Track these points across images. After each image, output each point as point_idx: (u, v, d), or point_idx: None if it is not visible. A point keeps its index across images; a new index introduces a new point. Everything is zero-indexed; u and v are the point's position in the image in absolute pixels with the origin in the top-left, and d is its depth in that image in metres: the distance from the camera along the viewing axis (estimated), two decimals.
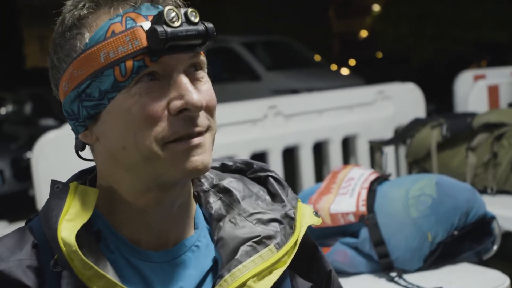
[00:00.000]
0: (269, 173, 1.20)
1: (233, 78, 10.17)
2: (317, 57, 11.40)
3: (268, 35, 12.40)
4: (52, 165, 2.89)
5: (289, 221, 1.13)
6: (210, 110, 1.04)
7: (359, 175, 2.16)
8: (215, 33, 1.02)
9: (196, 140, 1.00)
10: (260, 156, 3.78)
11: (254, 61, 9.87)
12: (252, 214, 1.12)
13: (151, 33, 0.96)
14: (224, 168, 1.21)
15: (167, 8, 0.97)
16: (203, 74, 1.05)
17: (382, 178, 2.17)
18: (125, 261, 1.05)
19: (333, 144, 3.93)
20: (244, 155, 3.63)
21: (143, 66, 0.97)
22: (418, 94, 4.12)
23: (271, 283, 1.06)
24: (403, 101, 4.09)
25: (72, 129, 1.07)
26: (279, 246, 1.08)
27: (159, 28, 0.95)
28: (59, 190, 1.05)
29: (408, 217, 2.00)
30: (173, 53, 0.98)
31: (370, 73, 12.39)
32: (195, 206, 1.14)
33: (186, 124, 0.99)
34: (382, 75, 10.71)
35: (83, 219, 1.00)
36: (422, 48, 16.48)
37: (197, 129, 1.00)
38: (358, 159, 4.01)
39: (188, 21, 0.99)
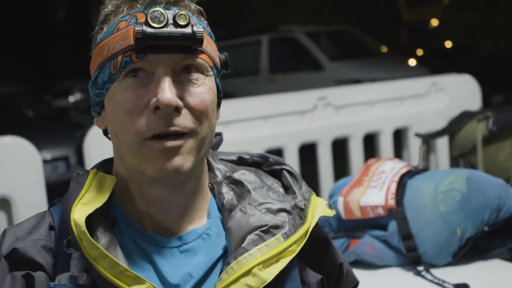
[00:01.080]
0: (283, 167, 1.24)
1: (296, 68, 10.16)
2: (383, 47, 11.24)
3: (332, 25, 12.31)
4: (104, 151, 2.99)
5: (298, 211, 1.16)
6: (197, 113, 1.06)
7: (391, 168, 2.15)
8: (202, 37, 1.05)
9: (170, 143, 1.04)
10: (309, 148, 3.80)
11: (318, 51, 9.82)
12: (261, 203, 1.15)
13: (133, 31, 1.03)
14: (241, 161, 1.26)
15: (154, 8, 1.04)
16: (197, 76, 1.07)
17: (413, 172, 2.16)
18: (135, 245, 1.10)
19: (383, 136, 3.90)
20: (292, 146, 3.65)
21: (130, 62, 1.04)
22: (473, 86, 4.02)
23: (277, 271, 1.08)
24: (458, 93, 4.01)
25: (91, 113, 1.16)
26: (287, 236, 1.11)
27: (138, 27, 1.01)
28: (79, 175, 1.12)
29: (437, 211, 1.98)
30: (158, 52, 1.03)
31: (437, 63, 12.13)
32: (208, 197, 1.18)
33: (161, 121, 1.03)
34: (449, 66, 10.47)
35: (98, 203, 1.06)
36: (491, 37, 15.99)
37: (172, 128, 1.04)
38: (410, 151, 3.96)
39: (175, 23, 1.03)
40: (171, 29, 1.03)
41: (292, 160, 3.66)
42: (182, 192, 1.12)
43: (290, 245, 1.11)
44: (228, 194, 1.18)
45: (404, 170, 2.14)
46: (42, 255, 1.08)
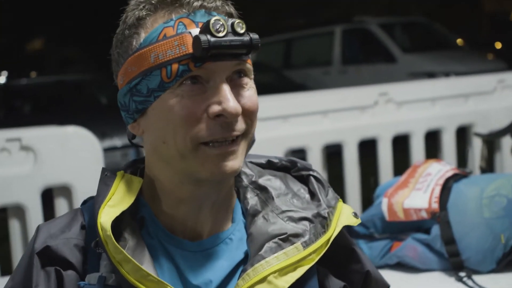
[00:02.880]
0: (311, 173, 1.24)
1: (369, 59, 10.02)
2: (460, 40, 10.94)
3: (408, 16, 12.07)
4: None
5: (321, 220, 1.16)
6: (249, 115, 1.09)
7: (437, 171, 2.11)
8: (259, 44, 1.07)
9: (230, 148, 1.07)
10: (369, 144, 3.76)
11: (391, 42, 9.65)
12: (284, 211, 1.16)
13: (195, 41, 1.03)
14: (270, 165, 1.27)
15: (214, 18, 1.04)
16: (247, 81, 1.10)
17: (460, 175, 2.11)
18: (161, 247, 1.13)
19: (446, 134, 3.81)
20: (352, 141, 3.62)
21: (187, 70, 1.05)
22: None
23: (293, 280, 1.09)
24: None
25: (124, 120, 1.17)
26: (306, 244, 1.12)
27: (203, 37, 1.02)
28: (107, 177, 1.15)
29: (481, 217, 1.93)
30: (217, 60, 1.05)
31: None
32: (234, 201, 1.20)
33: (223, 129, 1.06)
34: None
35: (125, 205, 1.09)
36: None
37: (234, 133, 1.07)
38: (474, 151, 3.86)
39: (233, 31, 1.05)
40: (231, 37, 1.04)
41: (351, 156, 3.63)
42: (220, 191, 1.14)
43: (309, 254, 1.12)
44: (252, 199, 1.19)
45: (450, 174, 2.10)
46: (73, 254, 1.12)
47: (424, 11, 14.49)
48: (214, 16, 1.07)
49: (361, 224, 2.20)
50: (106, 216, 1.06)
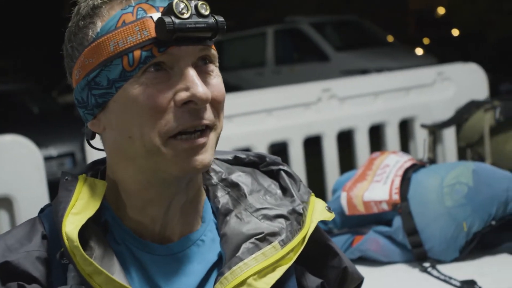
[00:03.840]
0: (281, 167, 1.19)
1: (302, 59, 10.12)
2: (390, 37, 11.16)
3: (339, 14, 12.25)
4: None
5: (296, 217, 1.11)
6: (217, 105, 1.03)
7: (395, 162, 2.10)
8: (224, 27, 1.02)
9: (200, 140, 1.00)
10: (314, 140, 3.75)
11: (323, 41, 9.78)
12: (258, 209, 1.11)
13: (158, 23, 0.97)
14: (237, 161, 1.21)
15: (176, 1, 0.97)
16: (213, 68, 1.04)
17: (418, 166, 2.10)
18: (129, 253, 1.06)
19: (389, 128, 3.84)
20: (297, 139, 3.61)
21: (151, 56, 0.98)
22: (480, 75, 3.95)
23: (273, 281, 1.04)
24: (465, 82, 3.94)
25: (82, 117, 1.08)
26: (283, 243, 1.07)
27: (167, 19, 0.96)
28: (67, 182, 1.06)
29: (443, 206, 1.93)
30: (182, 44, 0.98)
31: (445, 52, 12.04)
32: (203, 200, 1.13)
33: (191, 116, 0.99)
34: (457, 54, 10.39)
35: (90, 212, 1.01)
36: (500, 24, 15.80)
37: (203, 121, 1.00)
38: (416, 143, 3.91)
39: (198, 13, 0.99)
40: (195, 19, 0.98)
41: (297, 154, 3.61)
42: (189, 190, 1.08)
43: (288, 253, 1.07)
44: (223, 198, 1.13)
45: (408, 164, 2.09)
46: (36, 267, 1.03)
47: (352, 10, 14.73)
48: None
49: None
50: (71, 225, 0.98)
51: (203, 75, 1.02)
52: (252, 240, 1.06)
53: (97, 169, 1.14)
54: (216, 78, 1.04)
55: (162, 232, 1.08)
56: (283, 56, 10.33)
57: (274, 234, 1.07)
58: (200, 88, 0.98)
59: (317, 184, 3.64)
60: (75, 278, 1.00)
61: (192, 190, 1.09)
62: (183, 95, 0.98)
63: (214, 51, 1.05)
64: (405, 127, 3.99)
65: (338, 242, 2.05)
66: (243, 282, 1.02)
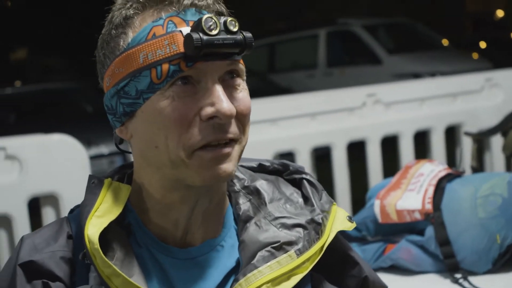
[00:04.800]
0: (304, 176, 1.21)
1: (353, 61, 10.04)
2: (445, 40, 10.98)
3: (392, 17, 12.11)
4: None
5: (315, 226, 1.12)
6: (241, 119, 1.05)
7: (429, 171, 2.08)
8: (252, 43, 1.04)
9: (224, 150, 1.02)
10: (358, 145, 3.74)
11: (375, 44, 9.68)
12: (277, 218, 1.12)
13: (187, 39, 0.99)
14: (262, 169, 1.23)
15: (206, 16, 1.00)
16: (239, 82, 1.06)
17: (453, 175, 2.08)
18: (150, 256, 1.09)
19: (435, 134, 3.80)
20: (340, 143, 3.61)
21: (178, 71, 1.00)
22: None
23: None
24: None
25: (111, 123, 1.12)
26: (300, 252, 1.08)
27: (195, 35, 0.98)
28: (94, 185, 1.10)
29: (475, 217, 1.91)
30: (209, 60, 1.00)
31: (502, 56, 11.76)
32: (226, 206, 1.16)
33: (215, 130, 1.01)
34: None
35: (113, 215, 1.05)
36: None
37: (228, 135, 1.02)
38: (463, 149, 3.85)
39: (226, 29, 1.01)
40: (223, 36, 1.00)
41: (340, 158, 3.61)
42: (213, 197, 1.10)
43: (303, 262, 1.08)
44: (244, 205, 1.15)
45: (443, 173, 2.07)
46: (60, 267, 1.07)
47: (406, 12, 14.53)
48: (206, 14, 1.02)
49: None
50: (94, 228, 1.02)
51: (230, 89, 1.04)
52: (268, 248, 1.08)
53: (124, 173, 1.17)
54: (243, 92, 1.06)
55: (183, 237, 1.10)
56: (334, 58, 10.27)
57: (290, 243, 1.09)
58: (225, 104, 1.00)
59: (360, 189, 3.63)
60: (96, 278, 1.04)
61: (215, 196, 1.11)
62: (208, 110, 1.00)
63: (242, 66, 1.07)
64: (452, 133, 3.94)
65: (370, 249, 2.05)
66: None
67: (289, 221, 1.12)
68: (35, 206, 2.91)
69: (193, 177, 1.03)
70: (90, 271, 1.06)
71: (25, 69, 17.81)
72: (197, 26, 0.99)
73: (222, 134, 1.02)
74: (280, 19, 15.85)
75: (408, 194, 2.03)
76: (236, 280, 1.06)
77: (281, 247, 1.08)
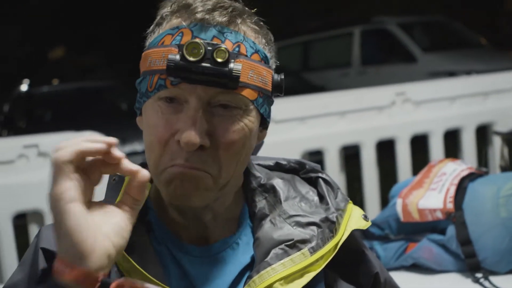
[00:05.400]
0: (319, 174, 1.22)
1: (388, 60, 9.96)
2: (482, 39, 10.82)
3: (427, 15, 11.97)
4: None
5: (329, 225, 1.14)
6: (224, 153, 1.03)
7: (452, 171, 2.07)
8: (238, 77, 1.00)
9: (186, 171, 1.01)
10: (387, 144, 3.73)
11: (410, 42, 9.58)
12: (291, 216, 1.14)
13: (167, 58, 1.00)
14: (278, 167, 1.24)
15: (193, 40, 1.00)
16: (236, 112, 1.04)
17: (476, 175, 2.07)
18: (169, 253, 1.11)
19: (466, 133, 3.77)
20: (369, 142, 3.60)
21: (163, 86, 1.02)
22: None
23: (300, 287, 1.07)
24: None
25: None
26: (313, 250, 1.10)
27: (171, 56, 0.99)
28: (115, 182, 1.12)
29: (497, 217, 1.90)
30: (192, 83, 1.00)
31: None
32: (240, 205, 1.17)
33: (182, 155, 1.01)
34: None
35: None
36: None
37: (188, 165, 1.01)
38: (494, 150, 3.81)
39: (213, 59, 0.99)
40: (206, 64, 0.99)
41: (369, 157, 3.61)
42: (209, 210, 1.11)
43: (317, 260, 1.10)
44: (260, 202, 1.16)
45: (465, 173, 2.06)
46: None
47: (441, 10, 14.35)
48: (209, 35, 1.02)
49: (376, 225, 2.18)
50: None
51: (218, 117, 1.02)
52: (282, 246, 1.09)
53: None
54: (234, 124, 1.03)
55: (199, 236, 1.12)
56: (369, 56, 10.19)
57: (304, 241, 1.10)
58: (187, 132, 0.99)
59: (389, 189, 3.61)
60: (117, 273, 1.06)
61: (214, 208, 1.11)
62: (177, 135, 1.01)
63: (241, 97, 1.03)
64: (483, 133, 3.91)
65: (392, 248, 2.06)
66: (270, 287, 1.06)
67: (304, 219, 1.13)
68: None
69: (163, 192, 1.06)
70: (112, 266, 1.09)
71: (63, 68, 18.07)
72: (181, 48, 1.00)
73: (186, 161, 1.01)
74: (315, 17, 15.79)
75: (430, 193, 2.03)
76: (250, 277, 1.08)
77: (294, 245, 1.10)
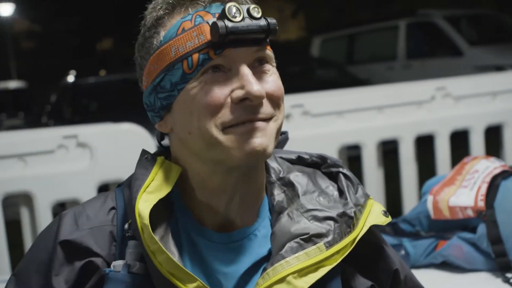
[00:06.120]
0: (340, 169, 1.23)
1: (434, 53, 9.81)
2: None
3: (474, 8, 11.74)
4: None
5: (347, 220, 1.14)
6: (275, 100, 1.10)
7: (484, 168, 2.04)
8: (276, 28, 1.08)
9: (257, 124, 1.07)
10: (427, 139, 3.68)
11: (457, 35, 9.41)
12: (309, 210, 1.15)
13: (213, 27, 1.05)
14: (300, 161, 1.26)
15: (229, 4, 1.05)
16: (269, 67, 1.11)
17: (509, 172, 2.03)
18: (187, 236, 1.14)
19: (508, 129, 3.69)
20: (408, 137, 3.56)
21: (208, 59, 1.06)
22: None
23: (313, 280, 1.08)
24: None
25: (151, 120, 1.18)
26: (329, 245, 1.11)
27: (220, 23, 1.04)
28: (147, 160, 1.15)
29: None
30: (236, 46, 1.06)
31: None
32: (263, 196, 1.19)
33: (247, 111, 1.06)
34: None
35: (162, 193, 1.10)
36: None
37: (259, 116, 1.07)
38: None
39: (250, 16, 1.06)
40: (248, 22, 1.05)
41: (407, 152, 3.57)
42: (251, 180, 1.14)
43: (332, 254, 1.10)
44: (279, 196, 1.18)
45: (498, 171, 2.02)
46: (98, 243, 1.13)
47: (489, 3, 14.06)
48: (228, 4, 1.07)
49: (407, 222, 2.16)
50: (145, 203, 1.07)
51: (259, 74, 1.09)
52: (297, 239, 1.10)
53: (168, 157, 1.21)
54: (272, 76, 1.11)
55: (222, 222, 1.15)
56: (414, 50, 10.06)
57: (320, 236, 1.11)
58: (254, 86, 1.05)
59: None
60: (132, 254, 1.10)
61: (253, 183, 1.15)
62: (239, 93, 1.06)
63: (269, 52, 1.12)
64: None
65: (422, 245, 2.04)
66: (283, 279, 1.07)
67: (321, 214, 1.14)
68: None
69: (230, 154, 1.07)
70: (127, 246, 1.11)
71: (110, 59, 18.32)
72: (222, 15, 1.05)
73: (254, 115, 1.07)
74: (362, 10, 15.66)
75: (461, 191, 2.00)
76: (265, 269, 1.09)
77: (310, 239, 1.11)
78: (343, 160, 3.56)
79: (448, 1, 14.40)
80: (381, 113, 3.57)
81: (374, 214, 1.18)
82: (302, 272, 1.08)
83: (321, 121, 3.45)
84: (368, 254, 1.21)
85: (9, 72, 21.61)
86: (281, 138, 1.32)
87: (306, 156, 1.26)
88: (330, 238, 1.11)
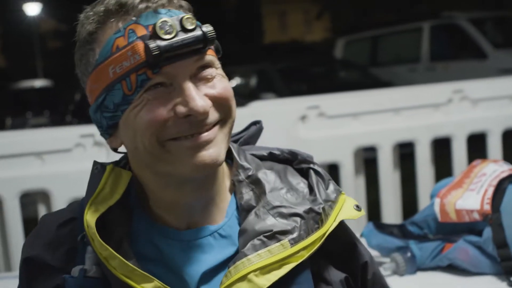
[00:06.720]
0: (311, 166, 1.21)
1: (458, 56, 9.75)
2: None
3: (499, 10, 11.63)
4: None
5: (314, 216, 1.12)
6: (223, 103, 1.08)
7: (492, 171, 2.03)
8: (214, 36, 1.05)
9: (203, 137, 1.05)
10: (444, 142, 3.66)
11: (481, 38, 9.34)
12: (275, 207, 1.13)
13: (146, 49, 1.02)
14: (272, 157, 1.24)
15: (160, 20, 1.02)
16: (211, 71, 1.08)
17: None
18: (148, 237, 1.14)
19: None
20: (424, 140, 3.55)
21: (146, 79, 1.03)
22: None
23: (276, 278, 1.07)
24: None
25: (101, 135, 1.17)
26: (294, 241, 1.09)
27: (152, 44, 1.01)
28: (97, 171, 1.15)
29: None
30: (174, 62, 1.03)
31: None
32: (228, 197, 1.18)
33: (192, 126, 1.05)
34: None
35: (112, 200, 1.11)
36: None
37: (206, 127, 1.06)
38: None
39: (183, 29, 1.03)
40: (182, 36, 1.02)
41: (424, 155, 3.56)
42: (207, 191, 1.13)
43: (298, 251, 1.09)
44: (247, 194, 1.16)
45: (505, 174, 2.01)
46: (56, 256, 1.16)
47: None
48: (161, 16, 1.04)
49: (415, 224, 2.16)
50: (92, 213, 1.08)
51: (203, 82, 1.07)
52: (260, 237, 1.09)
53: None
54: (217, 78, 1.08)
55: (185, 222, 1.14)
56: (438, 52, 10.00)
57: (285, 233, 1.09)
58: (198, 102, 1.03)
59: None
60: (91, 259, 1.12)
61: (211, 188, 1.14)
62: (182, 109, 1.03)
63: (211, 56, 1.08)
64: None
65: (428, 248, 2.04)
66: (244, 277, 1.05)
67: (287, 211, 1.12)
68: None
69: (180, 169, 1.06)
70: (86, 252, 1.13)
71: None
72: (154, 34, 1.02)
73: (200, 128, 1.05)
74: (386, 12, 15.58)
75: (468, 194, 2.00)
76: (228, 267, 1.08)
77: (273, 236, 1.09)
78: (359, 161, 3.56)
79: (472, 4, 14.28)
80: (397, 115, 3.57)
81: (346, 209, 1.16)
82: (264, 270, 1.06)
83: (337, 122, 3.45)
84: (340, 249, 1.20)
85: (36, 71, 21.89)
86: (255, 130, 1.31)
87: (278, 152, 1.24)
88: (295, 235, 1.09)
